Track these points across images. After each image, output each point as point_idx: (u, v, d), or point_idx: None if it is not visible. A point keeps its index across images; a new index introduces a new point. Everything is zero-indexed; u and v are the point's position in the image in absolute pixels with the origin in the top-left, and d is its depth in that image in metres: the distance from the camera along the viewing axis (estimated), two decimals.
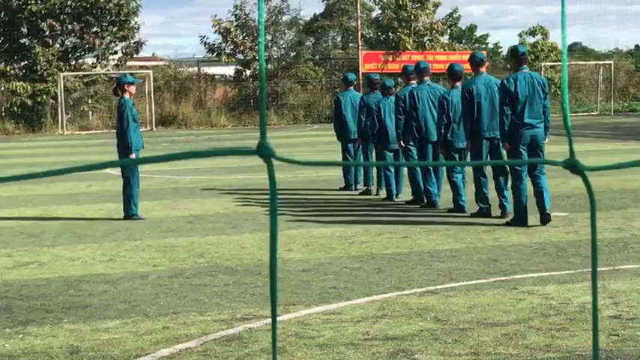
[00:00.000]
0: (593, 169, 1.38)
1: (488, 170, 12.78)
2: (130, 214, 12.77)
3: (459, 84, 12.63)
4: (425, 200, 13.43)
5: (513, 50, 11.66)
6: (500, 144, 11.63)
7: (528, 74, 11.35)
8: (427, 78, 13.59)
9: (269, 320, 6.88)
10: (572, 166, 1.32)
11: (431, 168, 13.00)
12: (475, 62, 12.23)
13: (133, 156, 12.62)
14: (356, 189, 15.78)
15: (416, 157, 13.59)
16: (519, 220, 11.25)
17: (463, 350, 6.00)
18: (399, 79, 29.15)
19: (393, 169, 14.40)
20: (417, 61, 14.43)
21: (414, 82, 13.85)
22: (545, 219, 11.16)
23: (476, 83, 11.98)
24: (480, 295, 7.61)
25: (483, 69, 12.36)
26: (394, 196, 14.27)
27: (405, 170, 14.47)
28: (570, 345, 6.05)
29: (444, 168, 13.20)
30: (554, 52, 50.11)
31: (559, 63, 48.80)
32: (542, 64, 46.59)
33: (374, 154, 15.07)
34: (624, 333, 6.34)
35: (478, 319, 6.81)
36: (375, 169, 15.21)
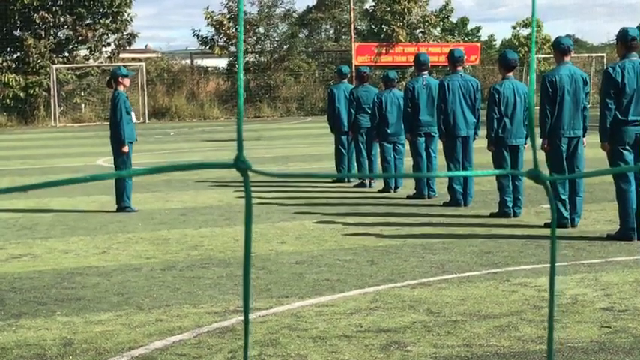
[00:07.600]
0: (555, 179, 1.40)
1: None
2: (122, 206, 12.78)
3: (511, 74, 11.51)
4: (426, 196, 13.29)
5: (622, 34, 9.56)
6: (581, 144, 10.54)
7: (638, 62, 9.52)
8: (460, 68, 12.71)
9: (262, 312, 6.89)
10: (536, 176, 1.34)
11: (457, 165, 12.38)
12: (560, 50, 10.48)
13: (126, 148, 12.64)
14: (349, 181, 15.80)
15: (422, 151, 13.39)
16: (625, 232, 9.60)
17: (456, 342, 6.02)
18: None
19: (392, 161, 14.32)
20: (451, 50, 13.10)
21: (425, 72, 13.73)
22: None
23: (559, 73, 10.36)
24: (473, 287, 7.63)
25: (568, 58, 10.53)
26: (392, 189, 14.25)
27: (411, 163, 13.79)
28: (562, 337, 6.07)
29: (472, 164, 12.59)
30: (548, 45, 50.11)
31: (552, 55, 48.82)
32: (536, 56, 46.62)
33: (369, 146, 15.06)
34: (616, 325, 6.36)
35: (471, 311, 6.82)
36: (367, 161, 15.19)
